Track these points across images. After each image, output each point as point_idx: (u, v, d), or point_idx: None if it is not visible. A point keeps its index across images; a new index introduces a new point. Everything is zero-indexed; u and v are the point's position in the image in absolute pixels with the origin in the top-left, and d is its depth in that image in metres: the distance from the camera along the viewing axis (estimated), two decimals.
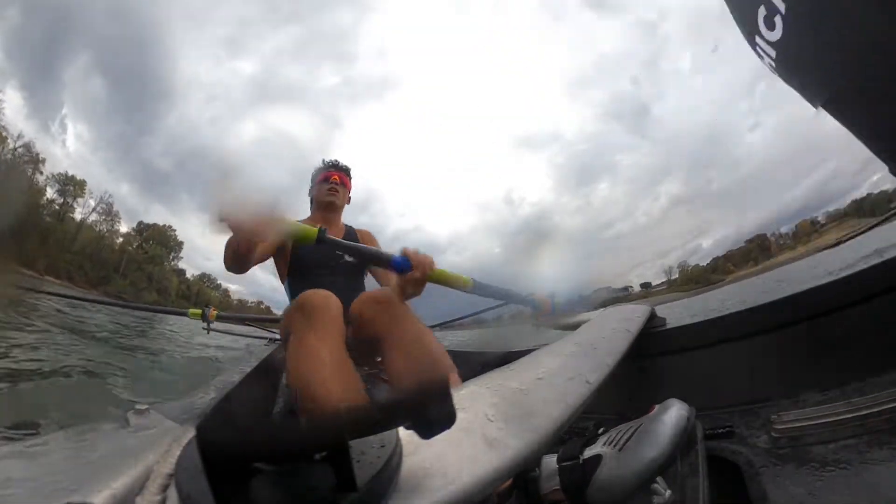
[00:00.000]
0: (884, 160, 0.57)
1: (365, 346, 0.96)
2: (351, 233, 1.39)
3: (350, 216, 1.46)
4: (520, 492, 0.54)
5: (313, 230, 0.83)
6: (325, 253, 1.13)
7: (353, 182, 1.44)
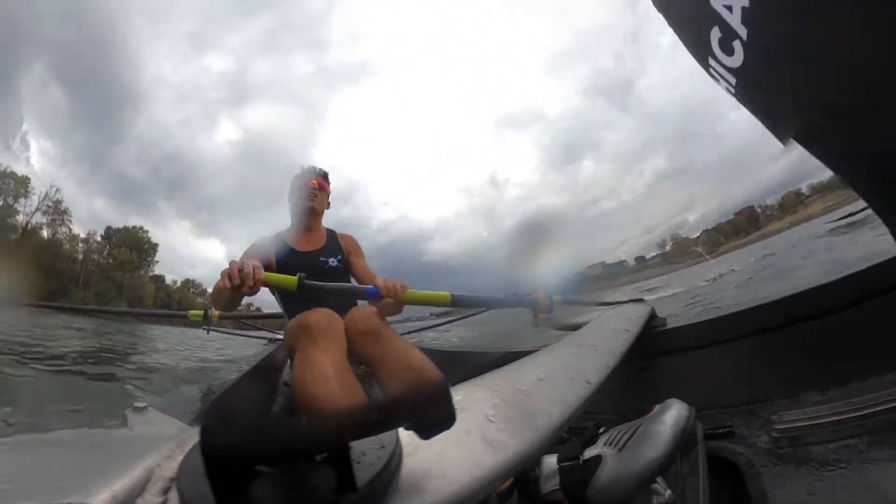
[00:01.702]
0: (862, 195, 0.49)
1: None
2: (332, 237, 1.42)
3: (333, 209, 1.49)
4: (520, 492, 0.54)
5: (292, 279, 0.97)
6: (310, 264, 1.25)
7: (334, 177, 1.48)
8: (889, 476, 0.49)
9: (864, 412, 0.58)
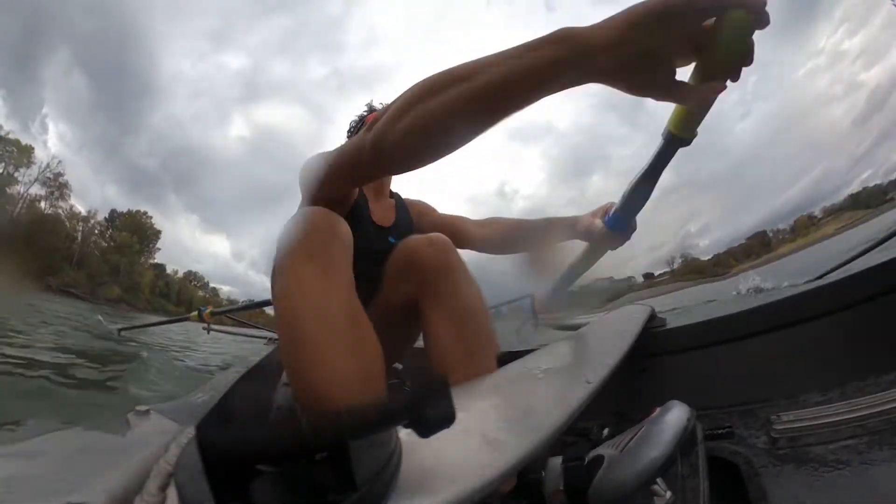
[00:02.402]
0: None
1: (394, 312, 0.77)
2: (402, 208, 1.04)
3: None
4: (524, 494, 0.54)
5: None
6: (380, 250, 0.84)
7: None
8: (889, 476, 0.49)
9: (864, 413, 0.58)
